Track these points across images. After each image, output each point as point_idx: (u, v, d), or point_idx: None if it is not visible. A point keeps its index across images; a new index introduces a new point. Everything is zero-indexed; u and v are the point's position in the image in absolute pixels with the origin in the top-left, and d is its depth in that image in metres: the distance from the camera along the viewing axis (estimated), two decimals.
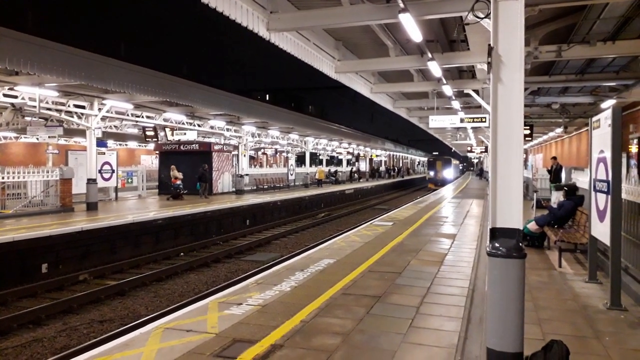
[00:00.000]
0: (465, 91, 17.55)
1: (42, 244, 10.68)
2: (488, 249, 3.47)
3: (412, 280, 6.73)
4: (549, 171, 17.53)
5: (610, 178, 5.38)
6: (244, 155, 27.32)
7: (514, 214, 3.45)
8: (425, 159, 71.74)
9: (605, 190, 5.58)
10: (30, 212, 14.15)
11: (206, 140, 27.45)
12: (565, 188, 9.35)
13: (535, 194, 15.59)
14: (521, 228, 3.48)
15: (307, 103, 66.16)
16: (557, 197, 11.56)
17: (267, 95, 54.30)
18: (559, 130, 26.54)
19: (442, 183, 45.18)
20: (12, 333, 7.57)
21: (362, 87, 17.72)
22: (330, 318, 5.13)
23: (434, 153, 74.87)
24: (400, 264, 7.78)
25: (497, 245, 3.42)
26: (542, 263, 7.94)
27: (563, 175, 16.24)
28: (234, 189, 25.25)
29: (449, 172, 49.20)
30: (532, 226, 9.05)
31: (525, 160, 25.01)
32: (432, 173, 49.44)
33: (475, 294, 6.12)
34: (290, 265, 7.74)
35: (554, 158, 18.19)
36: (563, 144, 34.12)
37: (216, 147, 24.58)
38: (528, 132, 18.29)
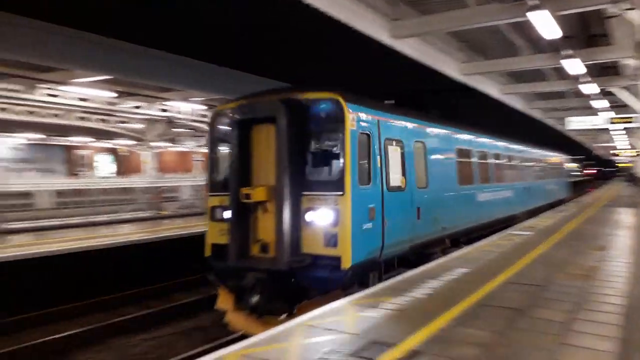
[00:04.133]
0: (607, 89, 15.89)
1: None
2: None
3: (556, 294, 6.29)
4: None
5: None
6: None
7: None
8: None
9: None
10: (182, 214, 15.97)
11: None
12: None
13: None
14: None
15: (430, 105, 64.84)
16: None
17: (393, 100, 54.19)
18: None
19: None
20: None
21: (490, 88, 16.99)
22: (467, 328, 5.02)
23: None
24: (542, 277, 7.29)
25: None
26: None
27: None
28: None
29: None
30: None
31: None
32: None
33: (633, 312, 5.52)
34: (422, 273, 7.70)
35: None
36: None
37: None
38: None
